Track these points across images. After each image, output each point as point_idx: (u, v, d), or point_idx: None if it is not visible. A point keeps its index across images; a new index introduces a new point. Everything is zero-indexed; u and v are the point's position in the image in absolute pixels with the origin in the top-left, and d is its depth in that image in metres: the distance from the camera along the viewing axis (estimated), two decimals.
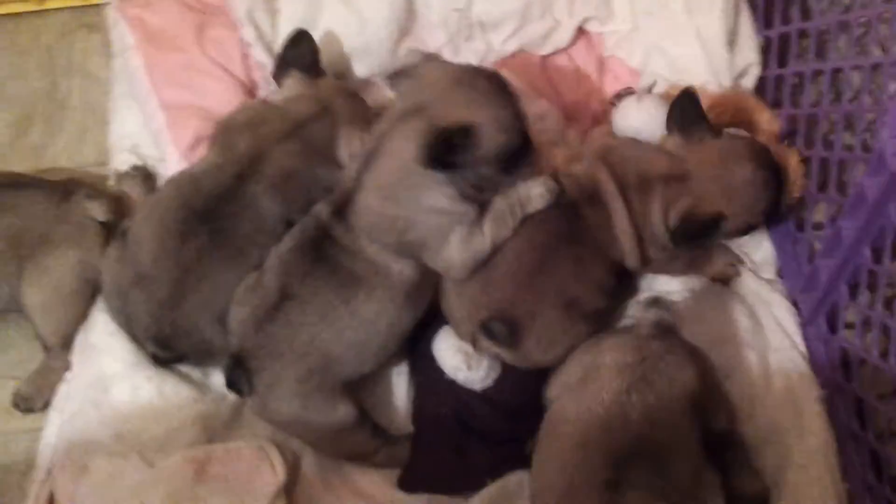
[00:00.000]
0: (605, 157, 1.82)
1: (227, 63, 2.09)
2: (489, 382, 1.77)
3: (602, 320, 1.80)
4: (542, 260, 1.73)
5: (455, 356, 1.76)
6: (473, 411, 1.76)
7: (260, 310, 1.70)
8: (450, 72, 1.70)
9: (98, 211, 1.95)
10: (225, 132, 1.88)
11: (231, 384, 1.73)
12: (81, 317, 1.90)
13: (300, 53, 1.95)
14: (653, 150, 1.86)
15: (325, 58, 2.00)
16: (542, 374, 1.74)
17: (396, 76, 1.76)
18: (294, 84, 1.93)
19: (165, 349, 1.80)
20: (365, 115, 1.92)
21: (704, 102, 1.87)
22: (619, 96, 2.04)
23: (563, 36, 2.11)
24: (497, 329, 1.70)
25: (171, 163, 2.03)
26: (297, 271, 1.71)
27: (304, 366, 1.69)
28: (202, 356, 1.83)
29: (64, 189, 1.96)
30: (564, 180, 1.79)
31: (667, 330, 1.67)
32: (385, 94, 2.01)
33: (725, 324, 1.89)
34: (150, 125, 2.06)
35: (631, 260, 1.79)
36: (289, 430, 1.77)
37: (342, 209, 1.71)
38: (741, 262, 1.96)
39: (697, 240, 1.80)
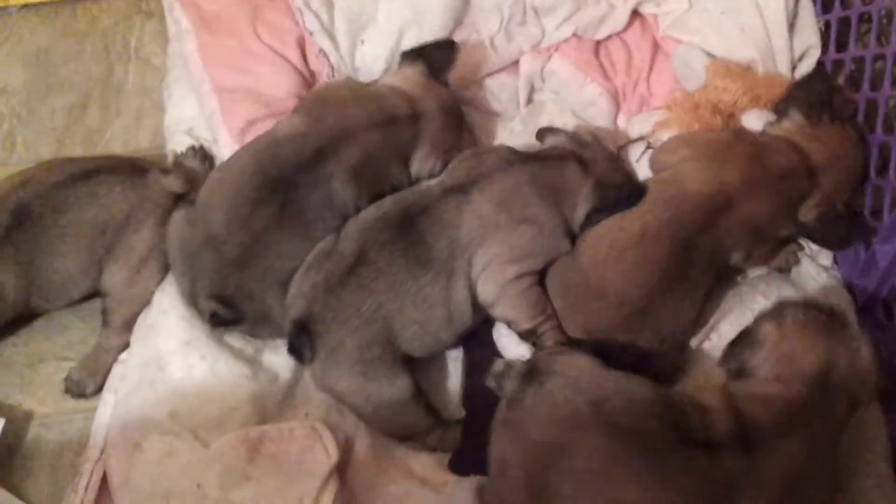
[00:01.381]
0: (723, 156, 1.82)
1: (281, 49, 2.09)
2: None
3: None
4: (650, 301, 1.72)
5: (518, 345, 1.78)
6: None
7: (333, 275, 1.72)
8: None
9: (175, 184, 1.96)
10: (318, 102, 1.90)
11: (293, 349, 1.74)
12: (152, 293, 1.92)
13: (438, 54, 1.98)
14: (771, 145, 1.84)
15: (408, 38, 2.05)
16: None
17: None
18: (410, 75, 1.96)
19: (226, 309, 1.80)
20: (453, 138, 1.94)
21: (742, 83, 1.89)
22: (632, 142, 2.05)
23: (618, 19, 2.10)
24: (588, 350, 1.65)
25: (223, 146, 2.04)
26: (377, 238, 1.73)
27: (367, 334, 1.70)
28: (257, 322, 1.83)
29: (135, 169, 1.97)
30: (677, 206, 1.77)
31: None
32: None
33: None
34: (204, 109, 2.07)
35: (740, 264, 1.81)
36: (345, 400, 1.77)
37: (466, 187, 1.76)
38: (802, 248, 1.94)
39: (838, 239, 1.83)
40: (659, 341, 1.72)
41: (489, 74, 2.14)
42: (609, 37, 2.12)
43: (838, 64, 2.02)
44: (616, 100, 2.10)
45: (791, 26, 2.01)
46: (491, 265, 1.75)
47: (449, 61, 1.99)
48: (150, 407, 1.79)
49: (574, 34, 2.10)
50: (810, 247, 1.95)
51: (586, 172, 1.81)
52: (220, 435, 1.73)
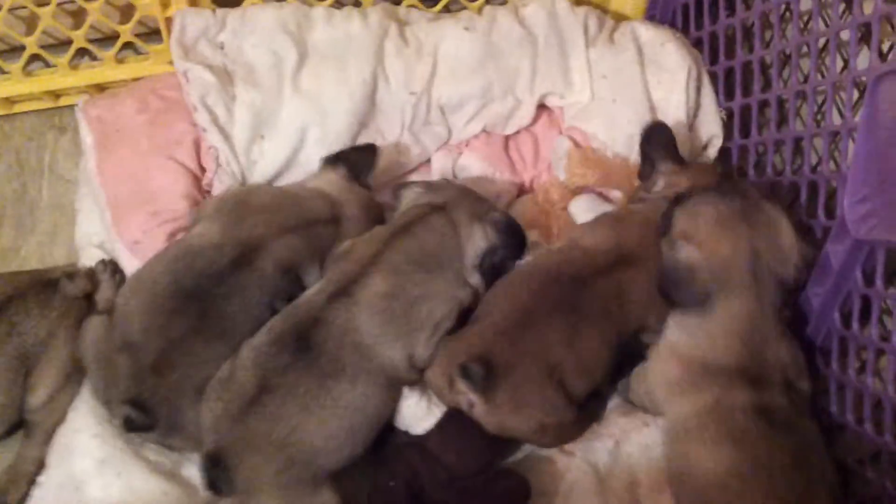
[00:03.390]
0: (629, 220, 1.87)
1: (176, 152, 2.08)
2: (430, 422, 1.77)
3: (579, 400, 1.76)
4: (532, 321, 1.72)
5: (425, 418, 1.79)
6: (422, 480, 1.71)
7: (234, 405, 1.69)
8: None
9: (82, 285, 1.96)
10: (236, 207, 1.90)
11: (211, 485, 1.70)
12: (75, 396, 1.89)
13: (360, 158, 2.00)
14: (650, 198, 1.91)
15: (310, 141, 2.07)
16: (489, 446, 1.73)
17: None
18: (332, 179, 1.98)
19: (141, 414, 1.76)
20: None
21: (592, 166, 2.00)
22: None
23: (525, 114, 2.13)
24: (473, 371, 1.67)
25: (122, 259, 2.03)
26: (276, 364, 1.70)
27: (283, 458, 1.67)
28: (171, 430, 1.80)
29: (44, 283, 1.95)
30: (571, 253, 1.82)
31: None
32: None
33: None
34: (104, 222, 2.07)
35: (651, 320, 1.79)
36: None
37: (348, 288, 1.75)
38: None
39: None
40: (548, 375, 1.70)
41: (401, 175, 2.15)
42: (518, 131, 2.15)
43: (743, 149, 2.06)
44: (522, 190, 2.14)
45: (693, 117, 2.05)
46: (414, 356, 1.75)
47: (370, 165, 2.01)
48: None
49: (483, 130, 2.13)
50: None
51: (449, 216, 1.83)
52: None
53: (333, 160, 2.01)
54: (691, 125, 2.06)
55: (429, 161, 2.17)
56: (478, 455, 1.71)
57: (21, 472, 1.88)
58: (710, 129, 2.07)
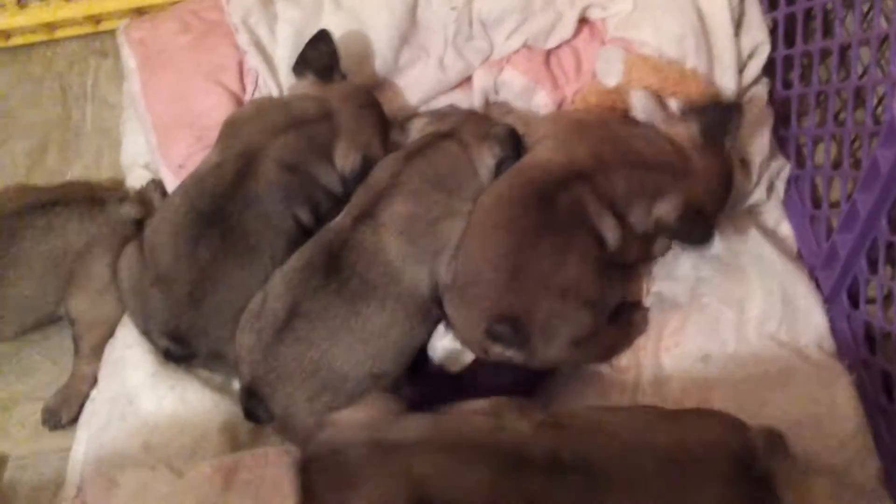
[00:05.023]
0: (582, 139, 1.84)
1: (221, 76, 2.09)
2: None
3: (605, 307, 1.79)
4: (521, 255, 1.71)
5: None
6: None
7: (266, 333, 1.71)
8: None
9: (132, 210, 2.00)
10: (229, 127, 1.91)
11: (249, 415, 1.74)
12: (119, 319, 1.94)
13: (317, 55, 1.98)
14: (655, 136, 1.87)
15: (350, 58, 2.03)
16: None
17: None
18: (306, 85, 1.97)
19: (180, 346, 1.80)
20: (370, 129, 1.95)
21: (650, 72, 1.94)
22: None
23: (567, 27, 2.09)
24: (502, 331, 1.68)
25: (166, 181, 2.06)
26: (307, 287, 1.72)
27: (313, 383, 1.69)
28: (212, 358, 1.84)
29: (93, 200, 2.00)
30: (530, 172, 1.80)
31: None
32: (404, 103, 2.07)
33: (749, 304, 1.87)
34: (149, 145, 2.09)
35: (611, 238, 1.78)
36: None
37: (372, 209, 1.76)
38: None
39: (690, 240, 1.82)
40: (560, 299, 1.70)
41: (444, 93, 2.13)
42: (559, 45, 2.12)
43: (788, 59, 2.04)
44: (559, 107, 2.11)
45: (738, 24, 2.02)
46: (438, 280, 1.77)
47: (331, 55, 1.98)
48: (123, 441, 1.79)
49: (524, 45, 2.10)
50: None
51: (460, 140, 1.85)
52: (193, 465, 1.73)
53: (298, 70, 1.99)
54: (737, 33, 2.03)
55: (469, 79, 2.15)
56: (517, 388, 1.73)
57: (74, 391, 1.93)
58: (756, 37, 2.03)
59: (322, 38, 1.98)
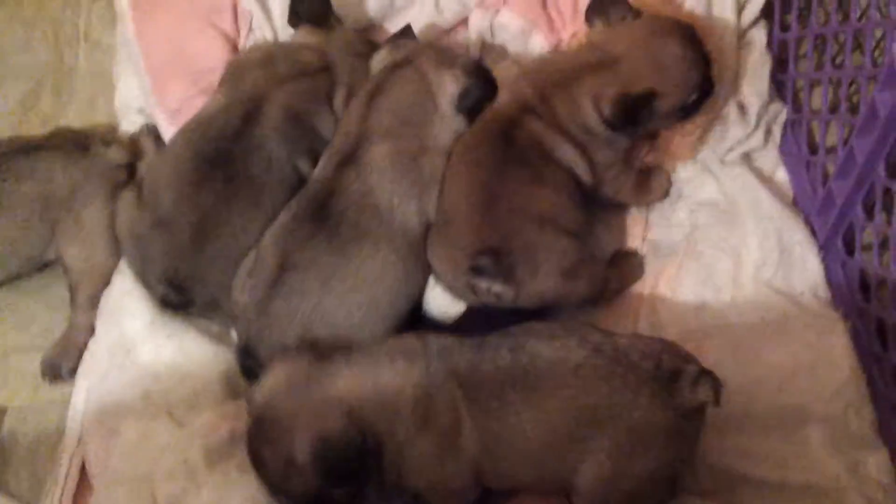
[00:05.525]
0: (523, 76, 1.87)
1: (215, 17, 2.08)
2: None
3: (584, 233, 1.81)
4: (491, 189, 1.74)
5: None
6: None
7: (259, 289, 1.71)
8: None
9: (118, 155, 2.00)
10: (234, 71, 1.92)
11: (246, 372, 1.75)
12: (114, 267, 1.93)
13: (307, 6, 1.97)
14: (572, 50, 1.96)
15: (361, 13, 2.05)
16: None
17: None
18: (304, 34, 1.97)
19: (177, 292, 1.81)
20: (367, 74, 1.93)
21: None
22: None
23: None
24: (484, 264, 1.69)
25: (161, 125, 2.05)
26: (296, 238, 1.72)
27: (308, 337, 1.69)
28: (208, 307, 1.84)
29: (78, 143, 2.00)
30: (488, 115, 1.82)
31: None
32: None
33: (745, 251, 1.88)
34: (143, 88, 2.08)
35: (579, 169, 1.80)
36: None
37: (353, 154, 1.76)
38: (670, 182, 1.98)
39: (635, 121, 1.80)
40: (537, 226, 1.73)
41: (440, 35, 2.13)
42: None
43: (786, 1, 2.01)
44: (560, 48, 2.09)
45: None
46: (427, 215, 1.78)
47: (322, 3, 1.98)
48: (123, 391, 1.81)
49: None
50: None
51: (417, 67, 1.82)
52: (194, 415, 1.74)
53: (292, 23, 2.00)
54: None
55: (465, 21, 2.13)
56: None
57: (72, 341, 1.94)
58: None
59: None
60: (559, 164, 1.78)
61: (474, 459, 1.51)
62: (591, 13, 1.90)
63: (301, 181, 1.85)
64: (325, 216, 1.72)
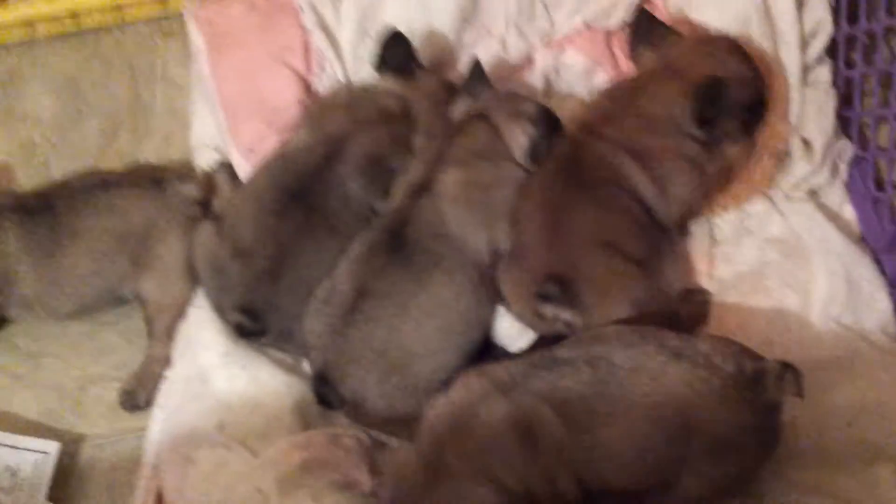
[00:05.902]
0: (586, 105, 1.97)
1: (288, 56, 2.12)
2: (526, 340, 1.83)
3: (652, 265, 1.81)
4: (558, 215, 1.77)
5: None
6: None
7: (336, 317, 1.76)
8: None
9: (192, 191, 2.05)
10: (318, 111, 1.97)
11: (321, 400, 1.79)
12: (189, 300, 1.98)
13: (392, 55, 2.02)
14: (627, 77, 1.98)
15: (414, 38, 2.05)
16: None
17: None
18: (389, 81, 2.01)
19: (252, 321, 1.85)
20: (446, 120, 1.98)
21: None
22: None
23: (627, 7, 2.10)
24: (550, 291, 1.72)
25: (235, 162, 2.10)
26: (373, 267, 1.77)
27: (382, 364, 1.73)
28: (282, 337, 1.89)
29: (154, 179, 2.05)
30: (558, 143, 1.87)
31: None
32: None
33: (813, 287, 1.89)
34: (219, 126, 2.13)
35: (643, 188, 1.81)
36: (385, 431, 1.80)
37: (427, 183, 1.81)
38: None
39: (719, 109, 1.81)
40: (603, 251, 1.76)
41: (506, 73, 2.15)
42: (620, 26, 2.13)
43: (851, 39, 2.02)
44: None
45: (800, 3, 2.01)
46: (497, 247, 1.82)
47: (407, 54, 2.02)
48: (198, 420, 1.85)
49: (585, 25, 2.12)
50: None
51: (490, 121, 1.88)
52: (267, 444, 1.78)
53: (378, 69, 2.04)
54: (799, 10, 2.01)
55: (531, 60, 2.16)
56: None
57: (149, 373, 1.99)
58: (818, 15, 2.01)
59: (397, 39, 2.01)
60: (624, 188, 1.80)
61: (575, 472, 1.52)
62: (635, 45, 1.96)
63: (374, 215, 1.90)
64: (401, 245, 1.77)
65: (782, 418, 1.56)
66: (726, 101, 1.81)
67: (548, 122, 1.88)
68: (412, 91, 2.00)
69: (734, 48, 1.90)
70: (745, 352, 1.55)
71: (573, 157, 1.83)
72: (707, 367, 1.50)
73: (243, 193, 1.95)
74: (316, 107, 2.01)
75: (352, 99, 2.00)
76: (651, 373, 1.51)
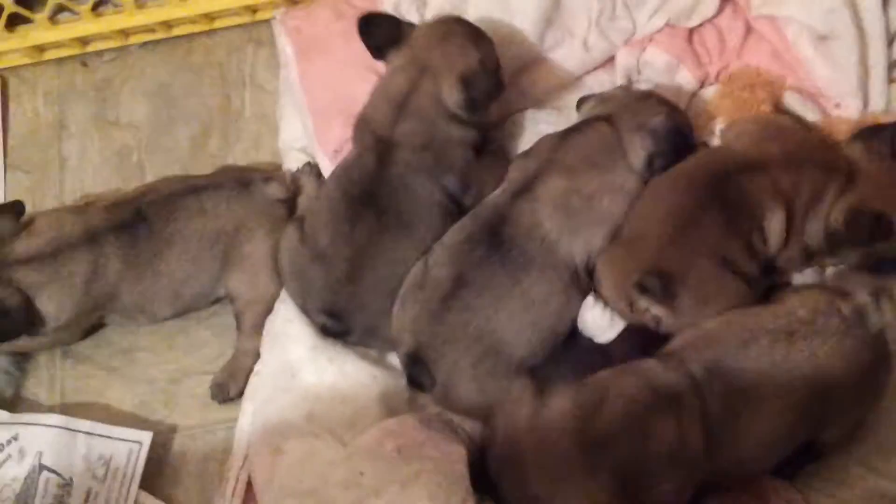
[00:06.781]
0: (773, 132, 1.90)
1: (374, 62, 2.11)
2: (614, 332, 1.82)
3: (757, 289, 1.81)
4: (691, 219, 1.77)
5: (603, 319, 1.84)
6: None
7: (433, 302, 1.80)
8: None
9: (277, 190, 2.09)
10: (360, 125, 1.98)
11: (412, 380, 1.83)
12: (277, 296, 2.02)
13: (375, 37, 1.98)
14: (832, 146, 1.92)
15: (498, 39, 2.03)
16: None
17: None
18: (393, 59, 1.99)
19: (337, 322, 1.90)
20: (458, 50, 1.93)
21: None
22: None
23: (709, 5, 2.11)
24: (651, 284, 1.73)
25: (322, 164, 2.14)
26: (471, 258, 1.80)
27: (477, 349, 1.78)
28: (366, 334, 1.93)
29: (241, 180, 2.09)
30: (715, 154, 1.88)
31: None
32: None
33: None
34: (307, 131, 2.17)
35: (772, 240, 1.81)
36: (472, 415, 1.81)
37: (530, 185, 1.84)
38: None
39: (860, 239, 1.80)
40: (718, 264, 1.76)
41: (587, 73, 2.18)
42: (702, 23, 2.14)
43: None
44: (702, 85, 2.14)
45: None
46: (592, 251, 1.83)
47: (390, 28, 1.98)
48: (287, 412, 1.88)
49: (667, 23, 2.13)
50: None
51: (615, 125, 1.88)
52: (355, 433, 1.80)
53: (375, 56, 2.02)
54: (884, 5, 2.01)
55: (612, 59, 2.18)
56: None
57: (239, 366, 2.03)
58: None
59: (368, 24, 1.98)
60: (757, 224, 1.80)
61: (699, 462, 1.55)
62: (861, 137, 1.90)
63: (452, 199, 1.93)
64: (499, 242, 1.80)
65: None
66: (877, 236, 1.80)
67: (672, 138, 1.87)
68: (414, 47, 1.95)
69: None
70: (834, 295, 1.59)
71: (728, 177, 1.81)
72: (817, 332, 1.55)
73: (319, 201, 1.99)
74: (357, 121, 2.00)
75: (368, 107, 1.99)
76: (777, 367, 1.54)
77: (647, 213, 1.82)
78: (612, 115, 1.90)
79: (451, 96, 1.90)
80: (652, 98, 1.95)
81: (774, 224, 1.80)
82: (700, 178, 1.82)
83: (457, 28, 1.96)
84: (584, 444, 1.53)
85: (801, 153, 1.84)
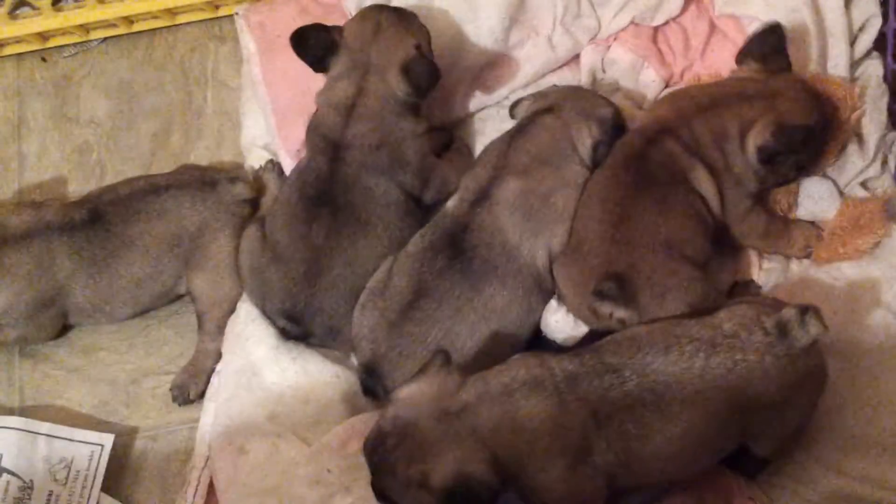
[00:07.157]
0: (665, 99, 1.95)
1: None
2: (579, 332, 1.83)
3: (709, 266, 1.81)
4: (621, 211, 1.77)
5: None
6: None
7: (391, 311, 1.79)
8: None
9: (243, 190, 2.06)
10: (310, 132, 1.97)
11: (367, 391, 1.83)
12: (239, 296, 2.01)
13: (311, 49, 1.95)
14: (721, 79, 1.96)
15: (463, 37, 2.07)
16: None
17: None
18: (332, 66, 1.96)
19: (295, 325, 1.89)
20: (397, 40, 1.92)
21: None
22: None
23: (674, 4, 2.11)
24: (608, 289, 1.72)
25: (285, 164, 2.13)
26: (432, 268, 1.79)
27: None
28: (329, 335, 1.91)
29: (205, 180, 2.07)
30: (627, 138, 1.87)
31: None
32: None
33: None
34: (269, 129, 2.16)
35: (710, 198, 1.81)
36: None
37: (487, 190, 1.83)
38: (821, 233, 1.96)
39: (787, 155, 1.80)
40: (664, 252, 1.75)
41: (552, 71, 2.16)
42: (666, 22, 2.14)
43: None
44: (667, 84, 2.14)
45: None
46: (553, 249, 1.82)
47: (319, 38, 1.94)
48: (250, 411, 1.87)
49: (631, 22, 2.13)
50: None
51: (560, 115, 1.87)
52: (319, 433, 1.80)
53: (319, 70, 1.99)
54: (847, 5, 2.02)
55: (577, 57, 2.17)
56: None
57: (200, 367, 2.02)
58: (867, 9, 2.02)
59: (302, 37, 1.94)
60: (691, 190, 1.80)
61: (608, 472, 1.53)
62: (747, 55, 1.90)
63: (410, 196, 1.93)
64: (460, 251, 1.80)
65: (820, 351, 1.59)
66: (798, 150, 1.81)
67: (617, 129, 1.88)
68: (350, 53, 1.93)
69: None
70: (762, 310, 1.57)
71: (642, 153, 1.82)
72: (741, 347, 1.53)
73: (276, 204, 1.98)
74: (308, 130, 1.99)
75: (315, 118, 1.97)
76: (695, 373, 1.52)
77: (587, 215, 1.82)
78: (555, 105, 1.90)
79: (400, 87, 1.88)
80: (588, 91, 2.00)
81: (702, 180, 1.80)
82: (620, 163, 1.83)
83: (384, 19, 1.94)
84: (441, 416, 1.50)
85: (687, 105, 1.85)
